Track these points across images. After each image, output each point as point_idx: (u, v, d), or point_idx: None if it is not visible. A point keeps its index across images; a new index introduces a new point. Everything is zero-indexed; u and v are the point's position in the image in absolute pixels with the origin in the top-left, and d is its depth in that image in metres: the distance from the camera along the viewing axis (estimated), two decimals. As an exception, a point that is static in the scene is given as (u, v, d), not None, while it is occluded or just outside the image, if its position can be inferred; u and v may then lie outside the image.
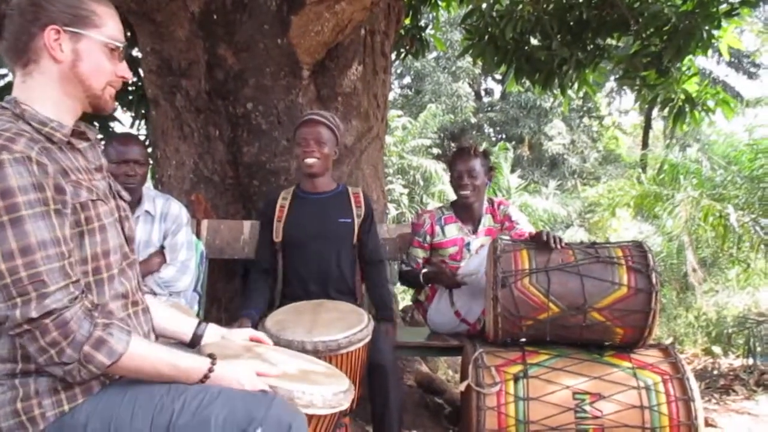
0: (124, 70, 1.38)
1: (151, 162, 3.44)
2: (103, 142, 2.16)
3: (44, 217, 1.17)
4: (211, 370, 1.31)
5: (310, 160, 2.63)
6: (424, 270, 2.92)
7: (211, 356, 1.35)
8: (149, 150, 3.65)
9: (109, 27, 1.34)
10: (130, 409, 1.25)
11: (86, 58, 1.31)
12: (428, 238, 3.00)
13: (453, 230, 3.00)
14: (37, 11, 1.27)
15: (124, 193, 1.51)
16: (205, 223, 3.21)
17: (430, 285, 3.01)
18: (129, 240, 1.45)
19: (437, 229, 2.99)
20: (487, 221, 3.03)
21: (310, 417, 1.38)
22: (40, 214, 1.17)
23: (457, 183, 2.95)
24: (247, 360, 1.42)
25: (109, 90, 1.37)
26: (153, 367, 1.27)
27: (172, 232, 2.76)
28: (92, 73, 1.32)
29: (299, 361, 1.63)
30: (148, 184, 2.98)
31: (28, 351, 1.19)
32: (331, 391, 1.44)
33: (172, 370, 1.29)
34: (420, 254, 3.02)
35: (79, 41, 1.30)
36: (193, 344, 1.59)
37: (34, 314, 1.14)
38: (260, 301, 2.63)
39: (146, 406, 1.25)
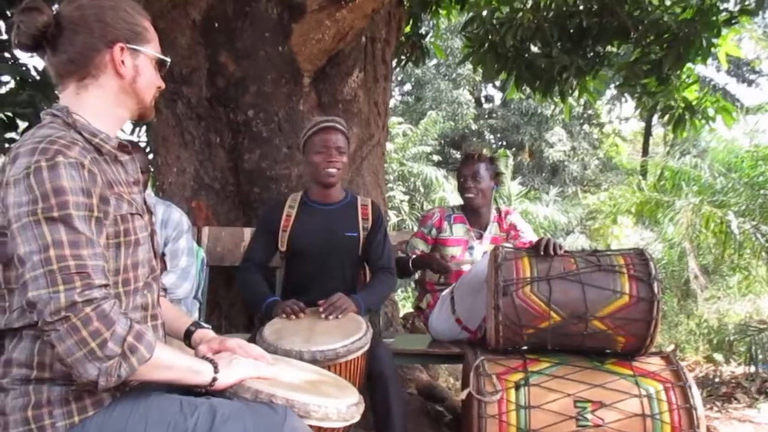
0: (161, 80, 1.45)
1: (151, 169, 3.45)
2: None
3: (87, 222, 1.19)
4: (215, 379, 1.32)
5: (333, 170, 2.54)
6: (414, 256, 2.92)
7: (213, 363, 1.35)
8: (150, 157, 3.66)
9: (156, 42, 1.42)
10: (143, 426, 1.24)
11: (143, 73, 1.38)
12: (434, 231, 3.01)
13: (460, 230, 3.02)
14: (104, 28, 1.32)
15: (153, 209, 1.53)
16: (206, 230, 3.21)
17: (432, 292, 3.01)
18: (156, 254, 1.47)
19: (445, 224, 3.02)
20: (493, 229, 3.06)
21: (324, 430, 1.39)
22: (84, 218, 1.19)
23: (462, 186, 3.00)
24: (245, 364, 1.41)
25: (153, 100, 1.45)
26: (171, 370, 1.27)
27: (173, 239, 2.77)
28: (147, 86, 1.40)
29: (306, 373, 1.63)
30: (149, 191, 2.98)
31: (63, 345, 1.13)
32: (345, 404, 1.44)
33: (188, 374, 1.29)
34: (420, 245, 3.02)
35: (138, 57, 1.37)
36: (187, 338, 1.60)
37: (78, 298, 1.13)
38: (271, 290, 2.58)
39: (158, 422, 1.24)
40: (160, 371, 1.25)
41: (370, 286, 2.64)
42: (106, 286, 1.20)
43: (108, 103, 1.35)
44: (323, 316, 2.28)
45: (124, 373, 1.17)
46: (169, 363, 1.26)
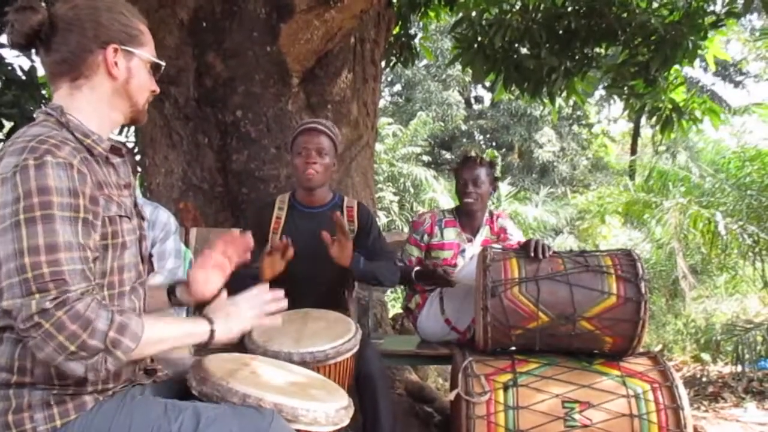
0: (155, 84, 1.46)
1: (139, 170, 3.43)
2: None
3: (72, 223, 1.18)
4: (212, 333, 1.35)
5: (311, 171, 2.50)
6: (417, 268, 2.92)
7: (209, 320, 1.37)
8: (137, 158, 3.63)
9: (151, 46, 1.43)
10: (126, 429, 1.23)
11: (136, 75, 1.38)
12: (426, 237, 3.00)
13: (451, 234, 3.01)
14: (98, 29, 1.31)
15: (144, 212, 1.51)
16: (193, 231, 3.19)
17: (421, 293, 3.01)
18: (143, 259, 1.45)
19: (436, 230, 3.00)
20: (485, 232, 3.05)
21: None
22: (68, 219, 1.17)
23: (462, 190, 2.98)
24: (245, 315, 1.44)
25: (146, 104, 1.45)
26: (165, 343, 1.28)
27: (160, 240, 2.74)
28: (140, 89, 1.40)
29: (294, 375, 1.62)
30: (137, 192, 2.96)
31: (42, 353, 1.13)
32: (334, 408, 1.45)
33: (184, 339, 1.33)
34: (415, 252, 3.01)
35: (132, 59, 1.37)
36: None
37: (48, 305, 1.11)
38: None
39: (142, 426, 1.23)
40: (155, 347, 1.27)
41: (372, 261, 2.62)
42: (89, 287, 1.18)
43: (101, 104, 1.35)
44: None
45: (112, 366, 1.18)
46: (162, 336, 1.27)
